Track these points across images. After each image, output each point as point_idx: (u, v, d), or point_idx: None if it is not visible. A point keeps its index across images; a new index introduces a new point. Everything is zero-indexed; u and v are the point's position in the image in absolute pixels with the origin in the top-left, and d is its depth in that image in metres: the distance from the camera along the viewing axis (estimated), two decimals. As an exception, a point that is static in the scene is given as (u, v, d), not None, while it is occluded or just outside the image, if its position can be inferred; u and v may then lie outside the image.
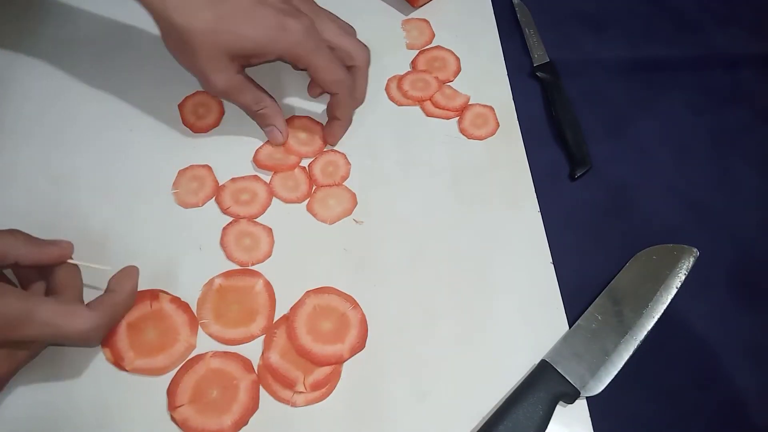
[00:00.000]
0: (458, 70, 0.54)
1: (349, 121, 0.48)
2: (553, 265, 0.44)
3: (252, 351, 0.39)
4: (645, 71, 0.58)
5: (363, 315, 0.41)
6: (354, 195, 0.46)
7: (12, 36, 0.51)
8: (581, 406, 0.39)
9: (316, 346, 0.39)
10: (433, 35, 0.56)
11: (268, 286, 0.41)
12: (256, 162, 0.47)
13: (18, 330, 0.31)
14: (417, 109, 0.52)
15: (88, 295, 0.37)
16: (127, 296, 0.37)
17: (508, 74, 0.54)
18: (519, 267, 0.44)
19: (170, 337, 0.38)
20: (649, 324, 0.41)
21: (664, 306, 0.41)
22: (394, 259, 0.44)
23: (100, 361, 0.38)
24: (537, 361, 0.39)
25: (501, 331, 0.41)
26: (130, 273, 0.38)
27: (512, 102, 0.53)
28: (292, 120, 0.49)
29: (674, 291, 0.42)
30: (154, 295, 0.40)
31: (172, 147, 0.47)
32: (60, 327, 0.32)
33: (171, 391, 0.37)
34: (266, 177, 0.46)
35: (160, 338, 0.38)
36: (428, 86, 0.52)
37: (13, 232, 0.35)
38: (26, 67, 0.50)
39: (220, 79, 0.42)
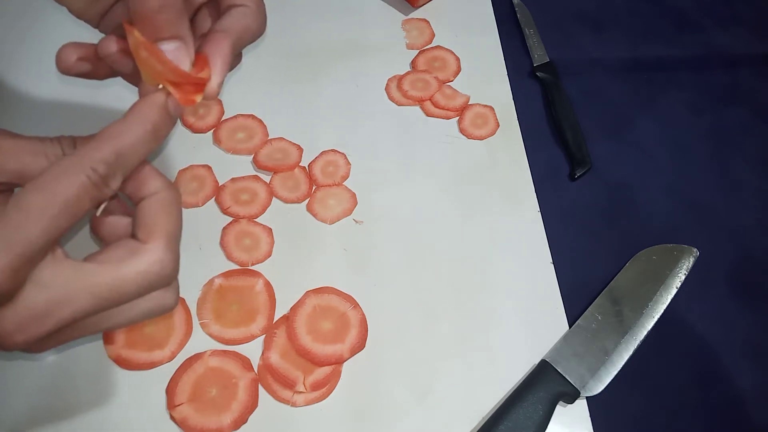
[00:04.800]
0: (458, 70, 0.54)
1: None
2: (553, 265, 0.44)
3: (252, 351, 0.39)
4: (645, 71, 0.58)
5: (363, 315, 0.41)
6: (354, 195, 0.46)
7: (9, 39, 0.51)
8: (581, 406, 0.39)
9: (316, 346, 0.39)
10: (433, 35, 0.56)
11: (268, 286, 0.41)
12: (256, 162, 0.47)
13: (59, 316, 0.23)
14: (417, 109, 0.52)
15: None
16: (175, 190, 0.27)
17: (508, 74, 0.54)
18: (519, 267, 0.44)
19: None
20: (649, 324, 0.41)
21: (664, 306, 0.41)
22: (394, 259, 0.44)
23: (99, 360, 0.38)
24: (537, 361, 0.39)
25: (501, 331, 0.41)
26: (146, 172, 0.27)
27: (512, 102, 0.53)
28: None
29: (674, 291, 0.42)
30: None
31: (172, 147, 0.47)
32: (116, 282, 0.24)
33: (170, 390, 0.37)
34: (266, 177, 0.46)
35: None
36: (428, 86, 0.52)
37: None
38: (25, 69, 0.50)
39: None
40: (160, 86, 0.27)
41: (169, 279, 0.26)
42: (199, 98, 0.29)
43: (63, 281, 0.23)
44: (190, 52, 0.28)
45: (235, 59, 0.32)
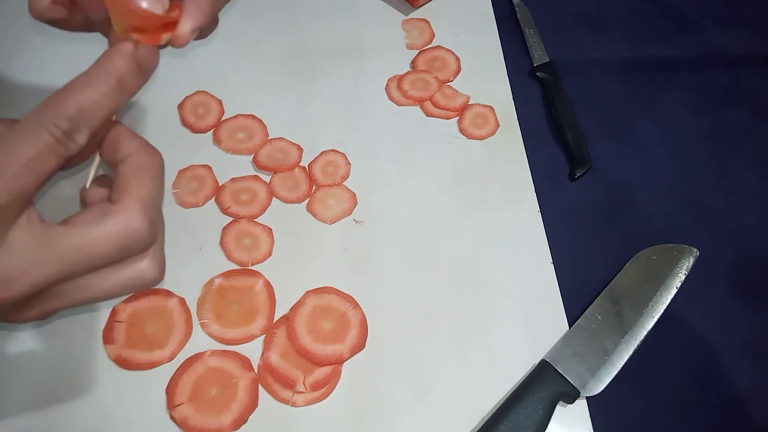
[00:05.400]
0: (458, 70, 0.54)
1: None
2: (553, 265, 0.44)
3: (252, 351, 0.39)
4: (645, 71, 0.58)
5: (363, 315, 0.41)
6: (354, 195, 0.46)
7: (9, 39, 0.51)
8: (581, 406, 0.39)
9: (316, 346, 0.39)
10: (433, 35, 0.56)
11: (268, 286, 0.41)
12: (256, 162, 0.47)
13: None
14: (417, 109, 0.52)
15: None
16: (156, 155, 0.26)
17: (508, 74, 0.54)
18: (519, 267, 0.44)
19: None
20: (649, 324, 0.41)
21: (664, 306, 0.41)
22: (394, 259, 0.44)
23: (99, 360, 0.38)
24: (537, 361, 0.39)
25: (501, 331, 0.41)
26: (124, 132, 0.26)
27: (512, 102, 0.53)
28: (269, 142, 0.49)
29: (674, 291, 0.42)
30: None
31: (172, 147, 0.47)
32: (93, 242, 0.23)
33: (170, 390, 0.37)
34: (266, 177, 0.46)
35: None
36: (428, 86, 0.52)
37: None
38: (25, 68, 0.50)
39: None
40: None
41: (142, 243, 0.25)
42: (165, 38, 0.27)
43: (32, 245, 0.23)
44: None
45: (212, 23, 0.31)
